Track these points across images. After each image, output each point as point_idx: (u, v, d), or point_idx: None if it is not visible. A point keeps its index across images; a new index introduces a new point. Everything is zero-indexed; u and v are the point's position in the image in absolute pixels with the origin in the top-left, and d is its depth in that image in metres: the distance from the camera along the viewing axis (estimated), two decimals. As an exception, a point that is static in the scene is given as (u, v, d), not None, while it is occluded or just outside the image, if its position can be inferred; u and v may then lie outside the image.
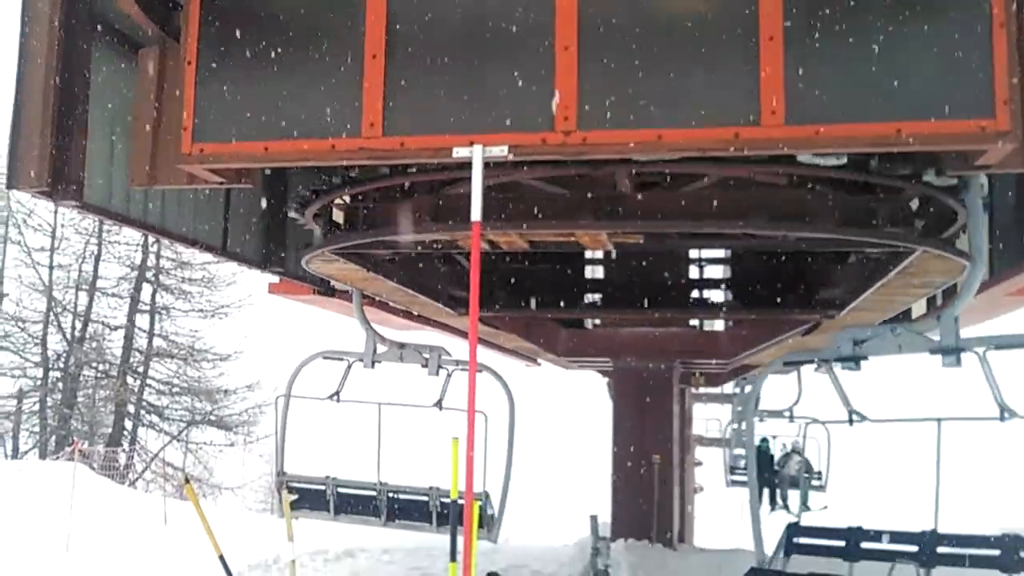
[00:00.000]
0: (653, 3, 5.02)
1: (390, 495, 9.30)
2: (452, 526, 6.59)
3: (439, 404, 9.15)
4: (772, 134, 4.75)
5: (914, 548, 7.74)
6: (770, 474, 19.66)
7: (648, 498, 13.74)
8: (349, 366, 9.42)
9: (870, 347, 7.45)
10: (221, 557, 6.87)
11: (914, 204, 6.95)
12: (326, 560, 13.30)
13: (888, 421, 8.36)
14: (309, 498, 9.43)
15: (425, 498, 9.29)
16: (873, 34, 4.69)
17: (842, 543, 8.03)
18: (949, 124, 4.57)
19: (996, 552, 7.46)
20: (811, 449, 18.64)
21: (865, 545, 8.07)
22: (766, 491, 19.30)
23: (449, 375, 8.99)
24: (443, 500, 8.71)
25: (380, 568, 12.63)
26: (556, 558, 13.42)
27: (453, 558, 5.84)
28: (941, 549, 7.60)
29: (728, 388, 22.83)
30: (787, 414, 16.99)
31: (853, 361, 7.53)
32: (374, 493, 9.30)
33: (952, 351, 6.96)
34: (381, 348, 9.21)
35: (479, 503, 8.36)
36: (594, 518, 11.10)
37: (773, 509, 19.04)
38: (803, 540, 8.18)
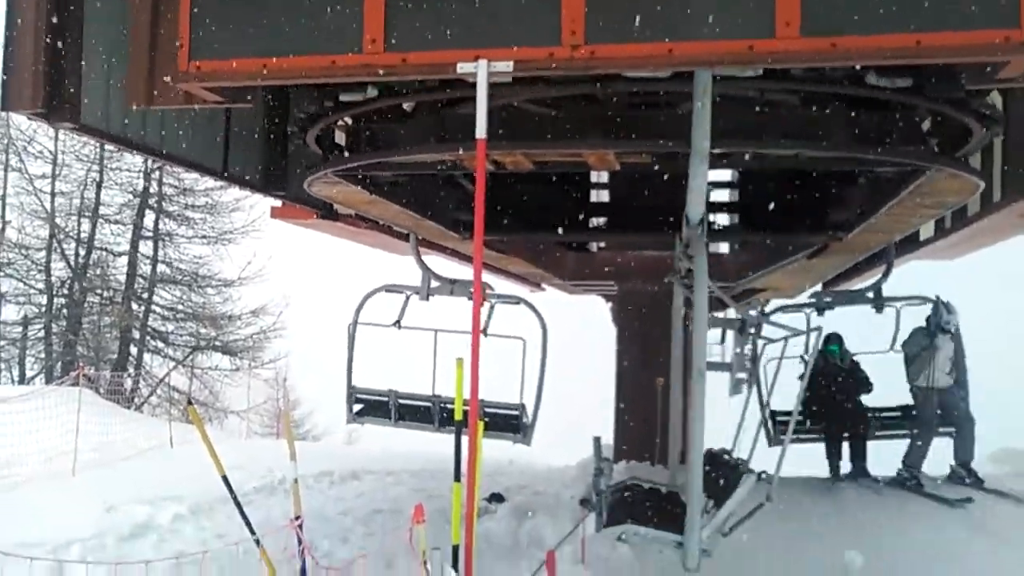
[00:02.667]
0: None
1: (442, 406, 10.12)
2: (456, 448, 6.56)
3: (484, 331, 9.61)
4: (787, 46, 4.60)
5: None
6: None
7: (651, 420, 13.81)
8: (407, 298, 10.30)
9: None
10: (224, 478, 6.90)
11: (927, 123, 6.81)
12: (331, 482, 13.43)
13: None
14: (374, 408, 10.67)
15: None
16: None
17: None
18: (971, 35, 4.41)
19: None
20: None
21: None
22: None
23: (492, 306, 9.87)
24: (487, 410, 9.76)
25: (386, 489, 12.75)
26: (559, 479, 13.57)
27: (457, 478, 5.84)
28: None
29: (731, 313, 22.85)
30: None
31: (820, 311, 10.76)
32: (429, 404, 10.25)
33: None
34: (434, 283, 10.19)
35: (512, 412, 10.01)
36: (597, 440, 11.09)
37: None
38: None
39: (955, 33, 4.42)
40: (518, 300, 10.40)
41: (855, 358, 12.28)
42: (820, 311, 10.99)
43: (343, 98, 6.78)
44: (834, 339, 12.12)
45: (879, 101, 6.22)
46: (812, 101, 6.51)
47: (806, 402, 11.25)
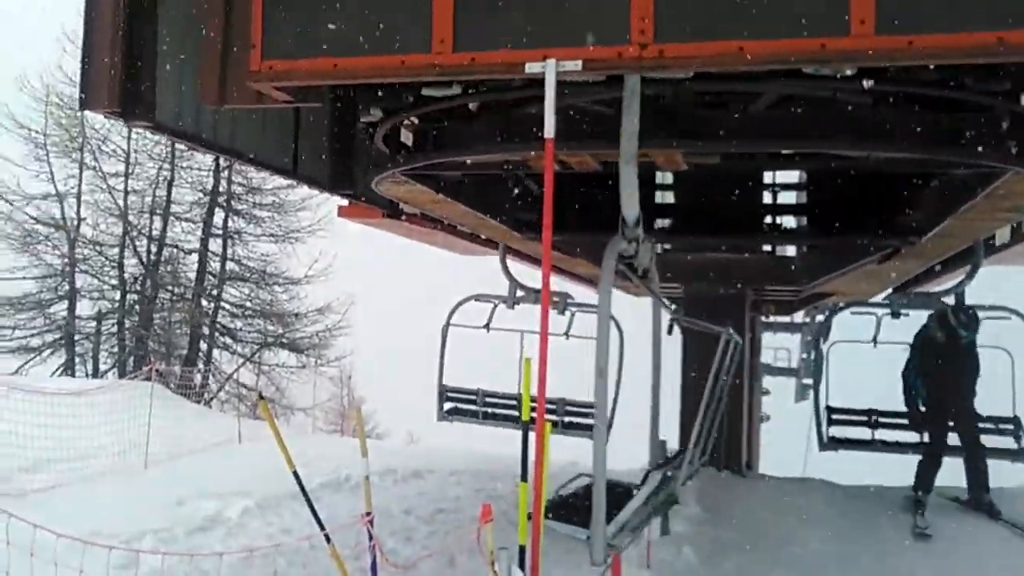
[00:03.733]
0: None
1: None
2: (523, 448, 6.55)
3: (567, 334, 11.37)
4: (862, 44, 4.51)
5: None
6: None
7: (717, 426, 13.63)
8: (495, 306, 11.54)
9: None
10: (295, 473, 6.96)
11: (1005, 124, 6.61)
12: (395, 480, 13.51)
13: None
14: (463, 406, 11.62)
15: (553, 406, 11.48)
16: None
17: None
18: (1055, 32, 4.28)
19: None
20: None
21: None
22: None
23: (572, 314, 11.22)
24: (567, 409, 10.85)
25: (447, 488, 12.77)
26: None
27: (524, 478, 5.84)
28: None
29: (799, 318, 22.50)
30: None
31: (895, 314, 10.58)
32: (514, 403, 10.98)
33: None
34: (520, 292, 11.20)
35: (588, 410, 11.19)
36: (663, 443, 11.05)
37: None
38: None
39: (1039, 31, 4.29)
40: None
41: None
42: (895, 315, 10.50)
43: (425, 92, 6.72)
44: (963, 312, 9.85)
45: (954, 100, 6.07)
46: (884, 101, 6.38)
47: (912, 392, 10.21)
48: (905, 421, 10.86)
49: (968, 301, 9.98)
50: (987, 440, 10.35)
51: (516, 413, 10.66)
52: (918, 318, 10.53)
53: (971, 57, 4.55)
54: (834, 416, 11.36)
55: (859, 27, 4.48)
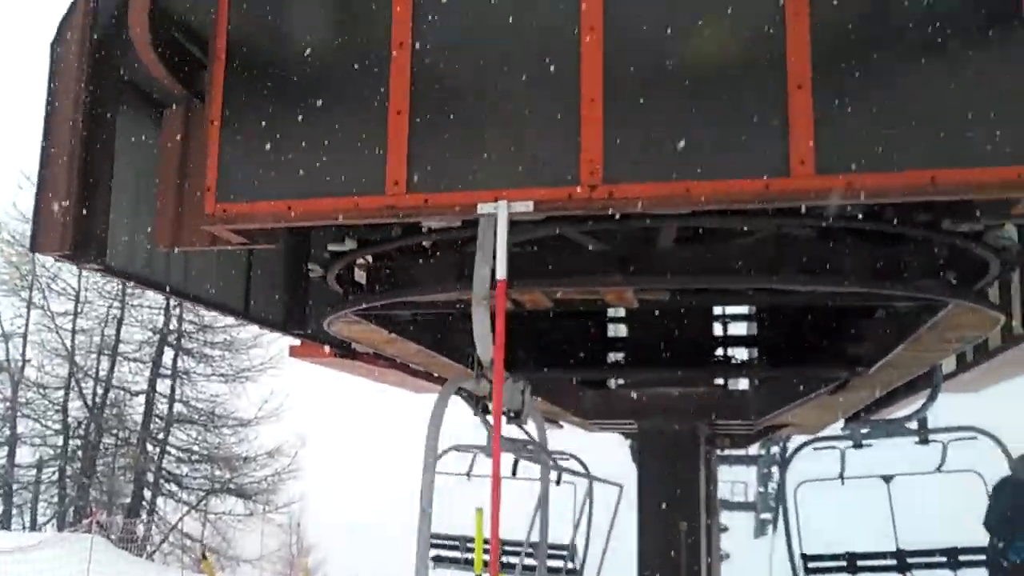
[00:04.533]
0: (679, 55, 4.99)
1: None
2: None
3: (558, 481, 10.89)
4: (802, 185, 4.68)
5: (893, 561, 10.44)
6: None
7: (675, 568, 13.40)
8: (474, 456, 11.32)
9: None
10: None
11: (944, 256, 6.83)
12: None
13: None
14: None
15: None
16: (903, 81, 4.64)
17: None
18: (985, 172, 4.47)
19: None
20: None
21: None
22: None
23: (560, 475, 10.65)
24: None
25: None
26: (583, 626, 13.09)
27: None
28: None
29: (754, 450, 22.49)
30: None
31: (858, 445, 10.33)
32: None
33: (924, 442, 10.04)
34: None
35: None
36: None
37: None
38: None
39: (969, 171, 4.49)
40: (570, 457, 12.85)
41: None
42: (857, 445, 10.34)
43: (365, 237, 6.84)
44: None
45: (894, 235, 6.27)
46: (827, 235, 6.57)
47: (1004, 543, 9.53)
48: (888, 562, 10.72)
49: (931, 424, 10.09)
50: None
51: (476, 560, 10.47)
52: (881, 448, 10.49)
53: (905, 196, 4.74)
54: (811, 564, 10.90)
55: (799, 168, 4.66)
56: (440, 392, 6.08)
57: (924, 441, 10.06)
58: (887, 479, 11.27)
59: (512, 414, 6.95)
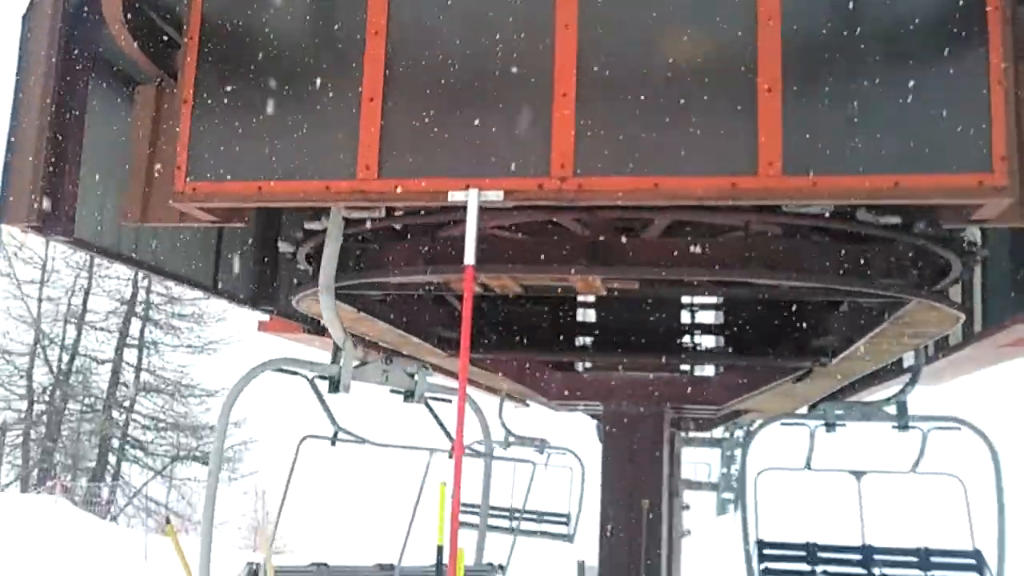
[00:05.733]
0: (653, 52, 5.03)
1: None
2: (437, 569, 6.52)
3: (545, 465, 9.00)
4: (769, 184, 4.75)
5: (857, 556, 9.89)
6: None
7: (636, 543, 13.59)
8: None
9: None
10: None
11: (908, 255, 6.95)
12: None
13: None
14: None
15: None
16: (870, 87, 4.71)
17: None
18: (947, 178, 4.57)
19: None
20: None
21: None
22: None
23: (549, 456, 9.15)
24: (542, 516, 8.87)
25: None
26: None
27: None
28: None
29: (718, 433, 22.76)
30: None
31: (830, 426, 9.55)
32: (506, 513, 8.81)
33: (904, 427, 9.33)
34: (512, 438, 8.36)
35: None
36: (581, 564, 11.00)
37: None
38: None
39: (932, 176, 4.58)
40: (566, 452, 15.52)
41: None
42: (829, 427, 9.63)
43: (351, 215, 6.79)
44: None
45: (860, 234, 6.37)
46: (793, 232, 6.66)
47: None
48: (852, 556, 10.11)
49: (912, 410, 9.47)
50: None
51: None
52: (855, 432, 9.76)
53: (870, 198, 4.84)
54: (766, 552, 10.15)
55: (767, 168, 4.73)
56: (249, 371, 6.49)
57: (903, 427, 9.25)
58: (858, 475, 10.46)
59: (407, 394, 7.06)
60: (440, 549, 6.19)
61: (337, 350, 6.85)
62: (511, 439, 15.23)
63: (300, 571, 8.23)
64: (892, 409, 9.42)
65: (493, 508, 14.55)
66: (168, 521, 6.77)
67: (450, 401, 7.69)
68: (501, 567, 8.43)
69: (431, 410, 7.69)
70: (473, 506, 12.36)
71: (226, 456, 33.44)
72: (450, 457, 7.67)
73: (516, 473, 15.50)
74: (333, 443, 7.86)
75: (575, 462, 15.89)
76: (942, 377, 11.54)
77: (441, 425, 7.78)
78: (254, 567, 6.90)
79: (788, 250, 6.60)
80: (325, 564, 7.75)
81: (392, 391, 7.39)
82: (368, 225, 6.80)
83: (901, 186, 4.61)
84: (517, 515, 15.91)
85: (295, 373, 7.10)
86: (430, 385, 7.58)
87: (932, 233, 6.07)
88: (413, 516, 7.61)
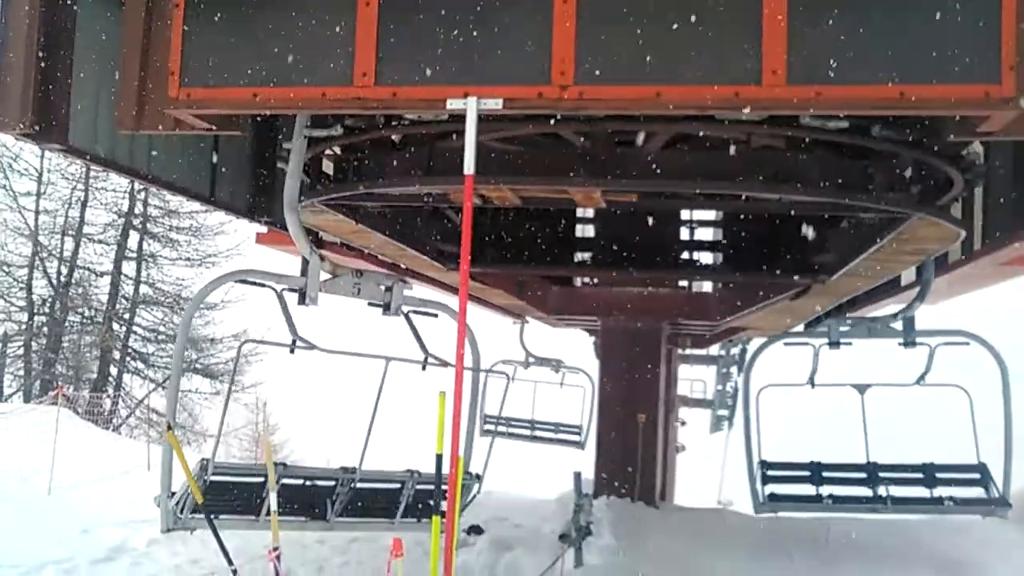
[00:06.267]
0: None
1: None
2: (436, 480, 6.62)
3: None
4: (773, 94, 4.66)
5: (863, 474, 9.72)
6: None
7: (632, 457, 13.81)
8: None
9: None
10: (201, 506, 6.86)
11: (909, 171, 6.88)
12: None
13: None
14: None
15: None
16: (878, -6, 4.59)
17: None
18: (953, 88, 4.47)
19: (920, 475, 9.63)
20: None
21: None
22: None
23: (563, 374, 9.00)
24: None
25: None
26: (538, 512, 13.50)
27: (438, 511, 5.84)
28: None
29: (714, 350, 22.91)
30: None
31: (834, 344, 9.42)
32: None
33: (911, 343, 9.33)
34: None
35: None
36: (577, 475, 11.15)
37: None
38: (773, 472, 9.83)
39: (938, 86, 4.49)
40: (579, 370, 17.60)
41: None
42: (834, 345, 9.35)
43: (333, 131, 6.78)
44: None
45: (862, 147, 6.29)
46: (796, 146, 6.59)
47: None
48: (856, 474, 9.79)
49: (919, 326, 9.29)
50: (901, 492, 9.74)
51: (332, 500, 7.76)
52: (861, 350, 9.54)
53: (875, 108, 4.74)
54: (770, 472, 9.81)
55: (771, 77, 4.63)
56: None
57: (910, 343, 9.09)
58: (861, 389, 10.05)
59: (384, 307, 7.27)
60: (439, 458, 6.25)
61: (306, 263, 6.92)
62: (531, 359, 17.49)
63: (253, 468, 8.38)
64: (898, 325, 9.23)
65: (514, 419, 18.31)
66: (169, 428, 6.86)
67: (435, 315, 7.70)
68: (478, 476, 8.56)
69: (411, 323, 7.69)
70: (494, 417, 13.45)
71: (226, 368, 33.66)
72: (424, 369, 7.90)
73: (536, 392, 18.11)
74: (292, 351, 7.60)
75: (587, 380, 17.52)
76: (941, 295, 11.57)
77: (418, 338, 7.79)
78: (204, 462, 7.10)
79: (790, 164, 6.54)
80: (284, 464, 7.78)
81: (370, 304, 7.42)
82: (341, 139, 6.81)
83: (907, 96, 4.52)
84: (537, 426, 18.90)
85: (261, 285, 7.22)
86: (407, 298, 7.55)
87: (934, 147, 6.01)
88: (372, 421, 7.69)
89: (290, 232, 6.78)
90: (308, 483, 7.74)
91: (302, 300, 6.99)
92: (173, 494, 6.96)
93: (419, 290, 12.95)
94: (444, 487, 6.06)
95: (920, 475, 9.83)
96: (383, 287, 7.40)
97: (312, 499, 7.65)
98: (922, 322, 9.65)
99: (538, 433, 19.05)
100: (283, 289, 7.16)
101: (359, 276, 7.30)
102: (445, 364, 7.58)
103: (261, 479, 7.19)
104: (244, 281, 7.34)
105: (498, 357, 15.33)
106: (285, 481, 7.39)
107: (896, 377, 10.13)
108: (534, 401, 18.54)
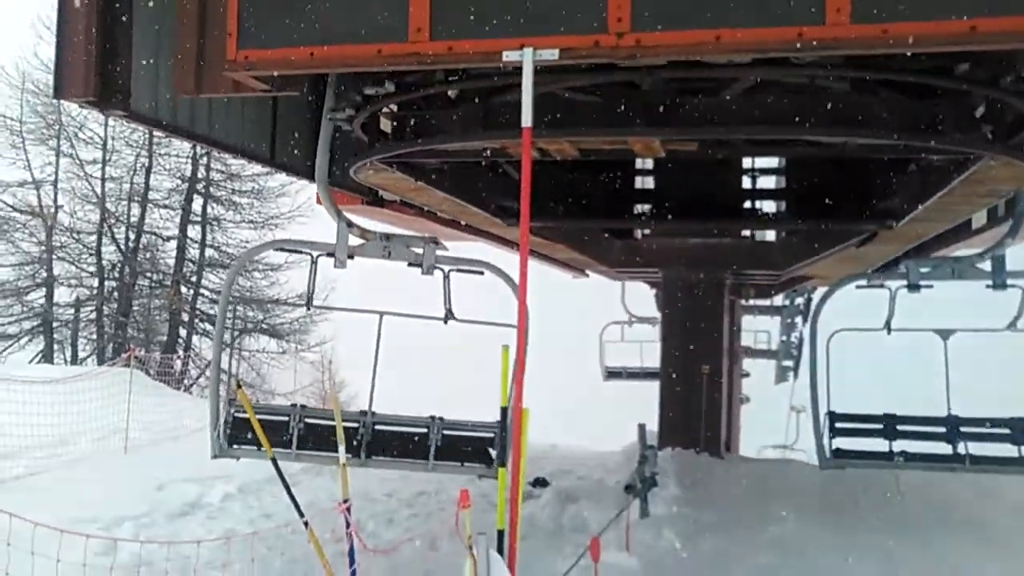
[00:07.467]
0: None
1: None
2: (501, 432, 6.69)
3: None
4: (837, 33, 4.53)
5: (941, 429, 8.61)
6: None
7: (696, 408, 13.76)
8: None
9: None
10: (273, 459, 7.01)
11: (980, 110, 6.67)
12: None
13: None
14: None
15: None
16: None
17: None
18: (1026, 21, 4.31)
19: (1007, 431, 8.50)
20: None
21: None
22: None
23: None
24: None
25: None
26: (603, 464, 13.56)
27: (503, 463, 5.88)
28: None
29: (778, 300, 22.59)
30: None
31: (913, 287, 8.23)
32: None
33: (1001, 285, 8.09)
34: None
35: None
36: (642, 426, 11.15)
37: None
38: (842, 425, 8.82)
39: (1011, 19, 4.31)
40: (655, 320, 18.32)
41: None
42: (913, 288, 8.31)
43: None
44: None
45: (930, 87, 6.11)
46: (862, 87, 6.42)
47: None
48: (935, 429, 8.80)
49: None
50: (984, 449, 8.72)
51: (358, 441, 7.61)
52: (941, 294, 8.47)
53: (945, 45, 4.58)
54: (839, 425, 8.88)
55: (835, 16, 4.50)
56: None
57: (1000, 285, 8.06)
58: (944, 335, 8.86)
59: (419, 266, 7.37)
60: (504, 410, 6.30)
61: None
62: (632, 319, 21.21)
63: (271, 408, 9.04)
64: (986, 266, 8.24)
65: (630, 367, 21.04)
66: (239, 386, 7.01)
67: (480, 273, 7.56)
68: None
69: (446, 281, 7.61)
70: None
71: (292, 328, 34.19)
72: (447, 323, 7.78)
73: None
74: (308, 308, 8.82)
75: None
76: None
77: (447, 297, 7.64)
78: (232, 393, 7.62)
79: (856, 106, 6.37)
80: (303, 406, 7.93)
81: (409, 265, 7.51)
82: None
83: (979, 31, 4.35)
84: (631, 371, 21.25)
85: (297, 251, 7.74)
86: (448, 258, 7.60)
87: (1007, 85, 5.81)
88: (374, 372, 7.81)
89: (322, 202, 7.15)
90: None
91: (342, 264, 7.45)
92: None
93: (481, 246, 12.99)
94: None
95: (1007, 431, 8.68)
96: (414, 249, 7.48)
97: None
98: (1012, 262, 8.46)
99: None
100: (318, 255, 7.51)
101: (387, 240, 7.51)
102: (471, 322, 7.55)
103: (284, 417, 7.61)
104: (282, 249, 8.03)
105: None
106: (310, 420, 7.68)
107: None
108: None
